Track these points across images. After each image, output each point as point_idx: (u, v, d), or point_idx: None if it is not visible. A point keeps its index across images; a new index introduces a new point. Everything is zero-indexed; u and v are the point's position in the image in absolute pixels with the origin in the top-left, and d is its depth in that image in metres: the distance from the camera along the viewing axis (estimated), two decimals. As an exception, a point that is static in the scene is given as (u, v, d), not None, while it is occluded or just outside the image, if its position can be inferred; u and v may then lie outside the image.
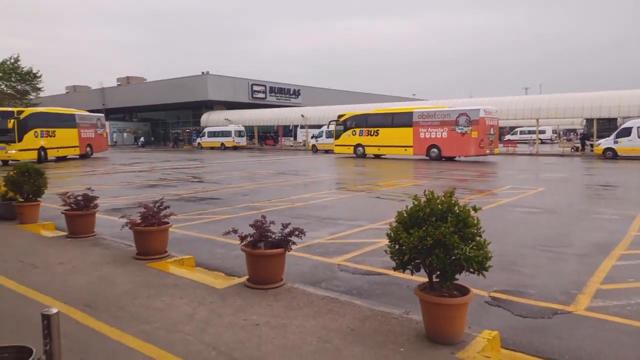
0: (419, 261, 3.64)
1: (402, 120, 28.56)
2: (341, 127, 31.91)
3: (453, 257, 3.52)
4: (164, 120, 64.94)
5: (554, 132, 57.00)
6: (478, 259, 3.52)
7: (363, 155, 30.40)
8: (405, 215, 3.77)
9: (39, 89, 56.94)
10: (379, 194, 12.83)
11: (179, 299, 4.43)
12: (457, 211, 3.64)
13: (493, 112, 27.07)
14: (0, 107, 31.11)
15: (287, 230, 4.91)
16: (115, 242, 6.74)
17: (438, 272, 3.62)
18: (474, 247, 3.59)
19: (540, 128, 38.28)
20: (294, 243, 4.92)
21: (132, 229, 5.91)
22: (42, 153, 27.11)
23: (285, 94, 59.00)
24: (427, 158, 27.29)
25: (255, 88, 55.67)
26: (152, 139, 58.66)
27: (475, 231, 3.63)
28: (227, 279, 5.14)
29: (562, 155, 31.51)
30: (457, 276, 3.63)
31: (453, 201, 3.70)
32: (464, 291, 3.69)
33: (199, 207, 10.68)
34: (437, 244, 3.50)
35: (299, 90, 60.21)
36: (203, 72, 53.03)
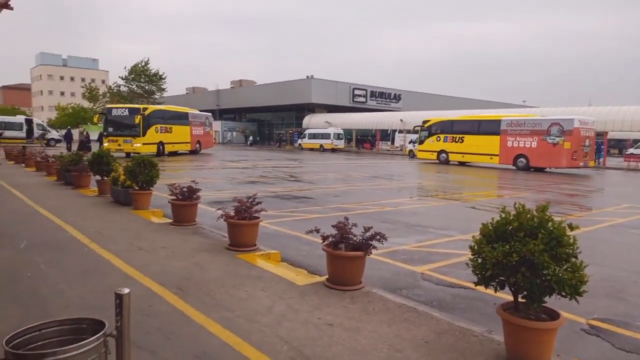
0: (503, 278, 3.42)
1: (489, 127, 27.90)
2: (425, 133, 31.96)
3: (542, 278, 3.26)
4: (270, 121, 68.19)
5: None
6: (571, 282, 3.21)
7: (446, 162, 30.08)
8: (490, 228, 3.57)
9: (163, 90, 62.94)
10: (475, 204, 12.23)
11: (261, 291, 4.63)
12: (551, 228, 3.36)
13: (589, 123, 25.69)
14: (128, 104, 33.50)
15: (368, 233, 4.89)
16: (212, 233, 7.21)
17: (525, 292, 3.38)
18: (568, 269, 3.29)
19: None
20: (374, 247, 4.89)
21: (226, 221, 6.29)
22: (161, 147, 29.36)
23: (386, 98, 58.71)
24: (514, 168, 26.34)
25: (357, 92, 56.15)
26: (258, 138, 61.86)
27: (571, 251, 3.31)
28: (308, 277, 5.26)
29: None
30: (547, 298, 3.35)
31: (546, 216, 3.43)
32: (553, 315, 3.39)
33: (292, 205, 11.04)
34: (524, 261, 3.26)
35: (399, 94, 59.55)
36: (307, 76, 54.77)
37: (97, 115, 28.24)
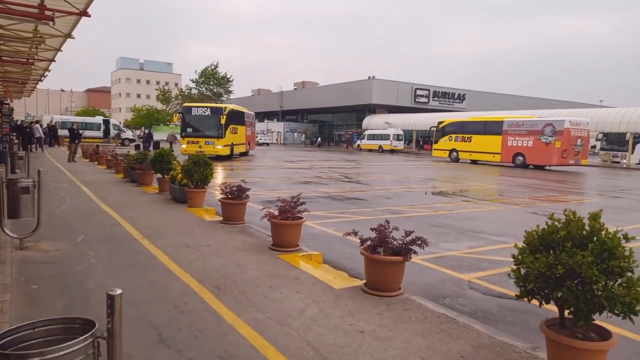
0: (547, 291, 3.13)
1: (493, 128, 30.24)
2: (440, 133, 34.49)
3: (591, 293, 2.94)
4: (331, 122, 68.48)
5: None
6: (625, 299, 2.88)
7: (457, 160, 32.48)
8: (535, 236, 3.28)
9: (230, 92, 65.20)
10: (537, 209, 11.49)
11: (296, 293, 4.58)
12: (603, 238, 3.03)
13: (582, 124, 27.53)
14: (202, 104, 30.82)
15: (409, 238, 4.70)
16: (258, 232, 7.29)
17: (572, 308, 3.07)
18: (622, 285, 2.95)
19: None
20: (414, 252, 4.68)
21: (269, 220, 6.32)
22: (232, 148, 27.72)
23: (449, 98, 57.04)
24: (512, 165, 28.48)
25: (419, 92, 55.02)
26: (319, 139, 62.26)
27: (626, 265, 2.97)
28: (347, 280, 5.14)
29: None
30: (599, 316, 3.03)
31: (599, 225, 3.09)
32: (604, 335, 3.06)
33: (342, 206, 10.95)
34: (570, 274, 2.96)
35: (464, 94, 57.64)
36: (369, 77, 54.47)
37: (177, 114, 25.46)
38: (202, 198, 9.44)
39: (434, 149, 35.51)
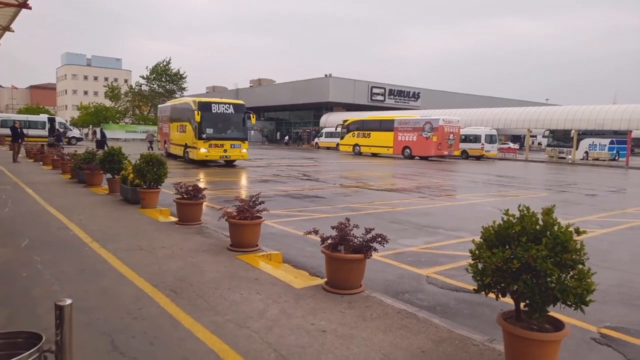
0: (504, 285, 3.21)
1: (387, 125, 35.24)
2: (345, 130, 39.06)
3: (545, 286, 3.03)
4: (288, 119, 68.15)
5: None
6: (577, 290, 2.98)
7: (359, 154, 37.09)
8: (492, 231, 3.35)
9: (184, 89, 63.64)
10: (491, 205, 11.88)
11: (256, 294, 4.49)
12: (556, 232, 3.13)
13: (453, 122, 33.06)
14: (183, 98, 28.28)
15: (369, 235, 4.71)
16: (215, 232, 7.11)
17: (527, 301, 3.16)
18: (574, 277, 3.06)
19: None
20: (375, 249, 4.70)
21: (227, 220, 6.18)
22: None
23: (405, 97, 58.11)
24: (402, 156, 33.60)
25: (375, 90, 55.70)
26: (287, 137, 61.50)
27: (577, 258, 3.08)
28: (307, 279, 5.10)
29: None
30: (552, 307, 3.13)
31: (551, 220, 3.19)
32: (558, 325, 3.16)
33: (301, 204, 10.89)
34: (526, 268, 3.04)
35: (418, 93, 58.88)
36: (326, 75, 54.57)
37: (198, 112, 20.46)
38: (155, 198, 9.13)
39: (341, 144, 39.82)
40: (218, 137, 21.14)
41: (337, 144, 46.77)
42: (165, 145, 27.07)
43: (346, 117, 40.82)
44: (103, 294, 4.41)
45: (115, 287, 4.60)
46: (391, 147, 34.73)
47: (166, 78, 61.83)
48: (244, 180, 16.79)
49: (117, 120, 61.31)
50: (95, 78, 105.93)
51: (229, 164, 22.40)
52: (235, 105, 22.13)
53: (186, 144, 22.51)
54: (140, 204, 9.00)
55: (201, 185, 7.79)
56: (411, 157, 33.02)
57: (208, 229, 7.32)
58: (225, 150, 21.23)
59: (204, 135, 20.78)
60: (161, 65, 61.31)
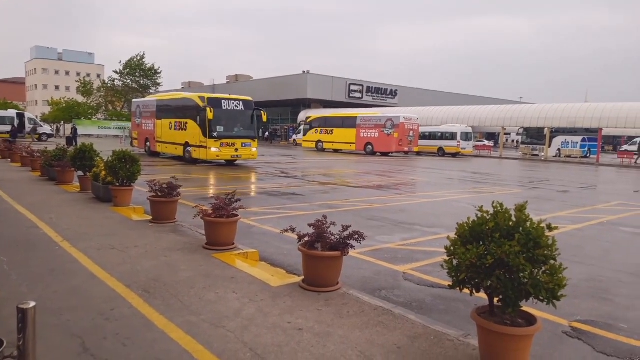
0: (478, 281, 3.24)
1: (349, 122, 36.07)
2: (308, 127, 39.66)
3: (518, 282, 3.08)
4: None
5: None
6: (549, 285, 3.03)
7: (322, 150, 37.58)
8: (466, 228, 3.38)
9: (159, 84, 62.58)
10: (465, 201, 12.05)
11: (232, 293, 4.44)
12: (529, 228, 3.17)
13: (413, 119, 34.30)
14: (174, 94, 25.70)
15: (346, 232, 4.70)
16: (191, 231, 7.01)
17: (501, 296, 3.20)
18: (546, 272, 3.11)
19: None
20: (352, 247, 4.70)
21: (203, 219, 6.09)
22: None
23: (382, 94, 58.46)
24: (364, 152, 34.42)
25: (353, 88, 55.87)
26: (267, 133, 60.78)
27: (549, 253, 3.13)
28: (285, 277, 5.06)
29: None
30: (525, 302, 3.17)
31: (524, 216, 3.24)
32: (530, 320, 3.22)
33: (279, 202, 10.84)
34: (499, 264, 3.08)
35: (396, 90, 59.32)
36: (304, 71, 54.42)
37: (211, 109, 19.12)
38: (128, 196, 8.93)
39: (303, 141, 40.28)
40: (229, 136, 20.03)
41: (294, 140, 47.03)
42: (148, 144, 25.44)
43: (309, 115, 42.14)
44: (73, 295, 4.29)
45: (87, 288, 4.47)
46: (354, 143, 35.52)
47: (140, 73, 60.71)
48: (219, 179, 16.62)
49: (90, 117, 59.86)
50: (67, 73, 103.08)
51: (230, 163, 21.30)
52: (244, 102, 20.96)
53: (187, 142, 21.10)
54: (113, 202, 8.79)
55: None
56: (373, 153, 33.88)
57: (183, 227, 7.20)
58: (236, 150, 20.20)
59: (214, 134, 19.54)
60: (135, 59, 60.16)
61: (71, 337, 3.44)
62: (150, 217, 7.64)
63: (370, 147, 34.39)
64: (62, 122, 60.01)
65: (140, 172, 9.01)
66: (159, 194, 7.51)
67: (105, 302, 4.10)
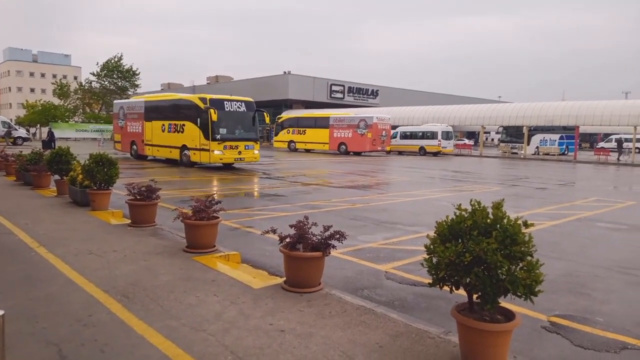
0: (457, 278, 3.27)
1: (322, 123, 36.37)
2: (280, 127, 40.07)
3: (496, 278, 3.12)
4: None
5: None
6: (526, 281, 3.08)
7: (295, 150, 37.97)
8: (445, 226, 3.41)
9: (137, 86, 61.75)
10: (445, 200, 12.18)
11: (213, 296, 4.39)
12: (505, 226, 3.21)
13: (385, 119, 35.25)
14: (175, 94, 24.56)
15: (327, 233, 4.70)
16: (171, 234, 6.92)
17: (479, 293, 3.23)
18: (523, 268, 3.15)
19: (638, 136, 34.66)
20: (333, 247, 4.70)
21: (182, 221, 6.02)
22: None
23: (363, 94, 58.70)
24: (338, 152, 35.05)
25: (334, 88, 55.97)
26: None
27: (526, 250, 3.17)
28: (266, 279, 5.04)
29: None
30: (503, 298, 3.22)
31: (501, 214, 3.28)
32: (509, 316, 3.26)
33: (261, 203, 10.81)
34: (477, 261, 3.11)
35: (377, 90, 59.62)
36: (285, 72, 54.32)
37: (213, 110, 18.38)
38: (106, 200, 8.79)
39: (275, 141, 40.90)
40: (233, 138, 19.36)
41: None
42: (134, 147, 24.43)
43: (281, 115, 42.81)
44: (50, 301, 4.20)
45: (64, 294, 4.38)
46: (327, 143, 36.02)
47: (118, 74, 59.83)
48: (202, 181, 16.48)
49: (67, 119, 58.70)
50: (43, 75, 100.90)
51: (228, 165, 20.50)
52: (246, 103, 20.24)
53: (184, 145, 20.29)
54: (91, 206, 8.64)
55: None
56: (347, 152, 34.39)
57: (163, 231, 7.11)
58: (239, 152, 19.52)
59: (218, 136, 18.84)
60: (112, 61, 59.27)
61: (47, 345, 3.37)
62: (129, 221, 7.53)
63: (344, 147, 34.94)
64: (38, 125, 58.65)
65: (118, 175, 8.87)
66: (138, 197, 7.41)
67: (83, 308, 4.02)
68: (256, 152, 20.33)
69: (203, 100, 19.29)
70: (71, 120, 60.37)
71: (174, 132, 21.13)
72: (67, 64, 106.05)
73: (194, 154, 19.85)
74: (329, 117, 36.39)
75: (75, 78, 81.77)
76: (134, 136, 24.56)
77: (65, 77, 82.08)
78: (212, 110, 18.39)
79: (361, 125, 33.94)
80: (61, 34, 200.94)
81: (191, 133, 19.89)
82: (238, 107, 19.73)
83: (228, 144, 19.16)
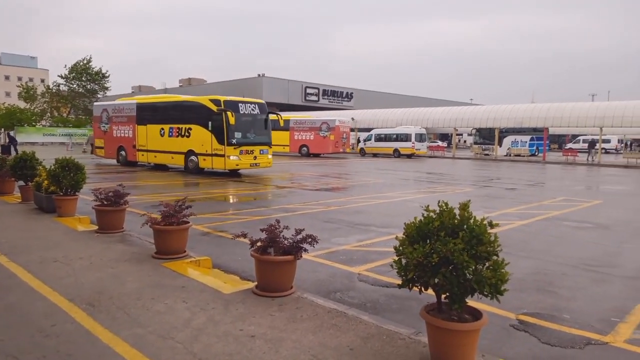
0: (425, 279, 3.29)
1: (283, 125, 34.84)
2: None
3: (463, 278, 3.15)
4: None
5: (620, 141, 53.16)
6: (492, 281, 3.12)
7: None
8: (413, 227, 3.43)
9: (107, 88, 60.43)
10: (418, 201, 12.32)
11: (182, 303, 4.31)
12: (472, 226, 3.25)
13: (346, 122, 37.19)
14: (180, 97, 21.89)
15: (299, 236, 4.67)
16: (139, 240, 6.78)
17: (447, 293, 3.26)
18: (489, 268, 3.20)
19: (604, 137, 35.84)
20: (305, 250, 4.67)
21: (151, 227, 5.89)
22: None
23: (338, 97, 58.96)
24: (299, 154, 35.69)
25: (309, 90, 56.05)
26: None
27: (492, 249, 3.22)
28: (237, 284, 4.97)
29: (626, 167, 29.28)
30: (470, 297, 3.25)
31: (467, 214, 3.32)
32: (477, 315, 3.30)
33: (236, 207, 10.70)
34: (445, 261, 3.14)
35: (351, 93, 59.97)
36: (259, 74, 54.10)
37: (230, 112, 17.46)
38: (73, 206, 8.53)
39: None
40: (248, 142, 18.15)
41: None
42: (122, 153, 22.73)
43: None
44: (9, 312, 4.04)
45: (25, 303, 4.23)
46: (287, 145, 36.35)
47: (87, 77, 58.46)
48: (176, 184, 16.23)
49: (34, 123, 56.97)
50: (7, 77, 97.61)
51: (234, 172, 19.06)
52: (260, 105, 19.11)
53: (191, 150, 18.87)
54: (57, 213, 8.39)
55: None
56: (308, 154, 35.31)
57: (131, 237, 6.95)
58: (255, 157, 18.43)
59: (234, 141, 17.52)
60: (81, 63, 57.88)
61: (5, 358, 3.23)
62: (97, 227, 7.34)
63: (305, 149, 35.64)
64: (3, 129, 56.74)
65: (84, 180, 8.64)
66: (105, 203, 7.23)
67: (45, 318, 3.89)
68: (270, 157, 19.33)
69: (215, 102, 17.91)
70: (38, 124, 58.63)
71: (177, 136, 19.52)
72: (33, 66, 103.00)
73: (204, 159, 18.45)
74: (288, 120, 35.89)
75: (43, 81, 79.47)
76: (122, 141, 22.64)
77: (31, 79, 79.61)
78: (229, 113, 17.37)
79: (323, 127, 34.83)
80: (26, 36, 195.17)
81: (201, 137, 18.40)
82: (252, 109, 18.58)
83: (244, 148, 17.97)
